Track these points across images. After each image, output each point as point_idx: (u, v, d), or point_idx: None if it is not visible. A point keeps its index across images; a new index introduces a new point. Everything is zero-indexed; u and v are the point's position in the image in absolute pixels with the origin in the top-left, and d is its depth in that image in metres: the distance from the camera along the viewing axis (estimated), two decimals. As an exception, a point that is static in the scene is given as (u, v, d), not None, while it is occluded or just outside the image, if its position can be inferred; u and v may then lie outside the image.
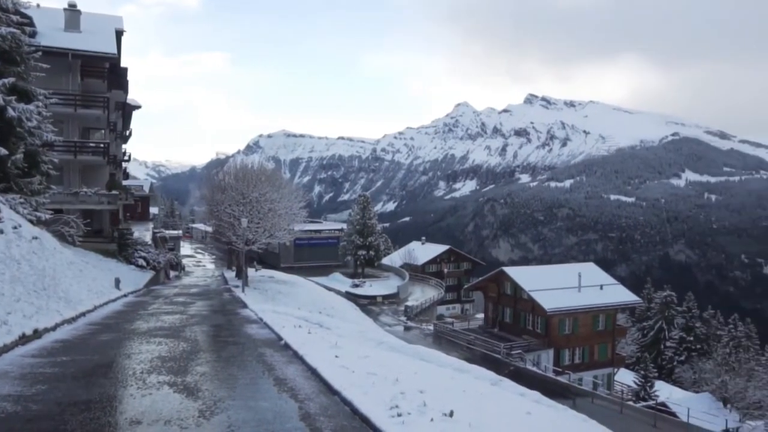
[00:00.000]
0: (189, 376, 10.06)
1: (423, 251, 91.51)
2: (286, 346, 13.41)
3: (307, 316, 23.07)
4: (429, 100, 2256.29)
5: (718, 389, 49.77)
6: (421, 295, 71.58)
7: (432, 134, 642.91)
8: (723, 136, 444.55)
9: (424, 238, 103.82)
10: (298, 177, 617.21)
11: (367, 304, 61.41)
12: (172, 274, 50.49)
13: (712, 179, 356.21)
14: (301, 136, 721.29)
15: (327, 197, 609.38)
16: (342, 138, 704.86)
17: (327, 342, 14.33)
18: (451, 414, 7.19)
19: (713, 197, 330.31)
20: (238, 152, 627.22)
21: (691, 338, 68.99)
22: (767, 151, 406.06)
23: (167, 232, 78.26)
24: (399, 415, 7.15)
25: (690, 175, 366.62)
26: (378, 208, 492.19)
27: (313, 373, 10.22)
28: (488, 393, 10.02)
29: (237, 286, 34.37)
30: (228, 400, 8.45)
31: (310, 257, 78.51)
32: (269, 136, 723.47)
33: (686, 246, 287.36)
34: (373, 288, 69.63)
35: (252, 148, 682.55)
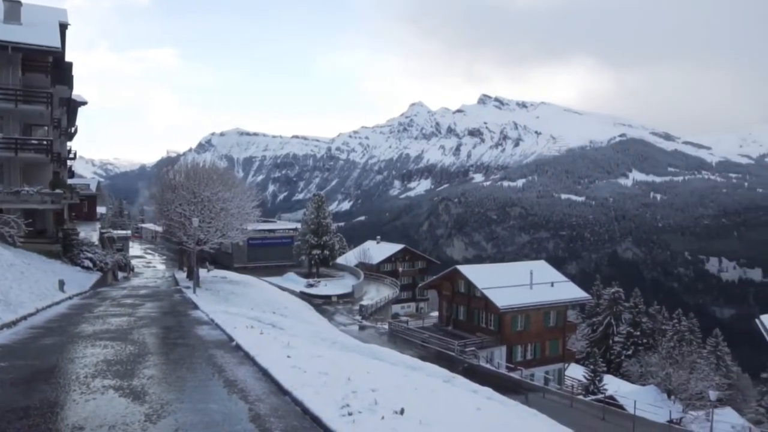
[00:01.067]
0: (136, 379, 9.80)
1: (378, 250, 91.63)
2: (238, 347, 13.23)
3: (260, 317, 22.79)
4: (384, 99, 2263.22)
5: (662, 382, 51.52)
6: (376, 294, 71.67)
7: (387, 134, 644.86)
8: (667, 137, 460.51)
9: (379, 237, 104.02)
10: (251, 176, 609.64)
11: (322, 304, 61.12)
12: (120, 275, 49.12)
13: (658, 179, 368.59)
14: (255, 134, 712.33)
15: (281, 196, 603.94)
16: (297, 137, 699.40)
17: (279, 342, 14.19)
18: (402, 411, 7.23)
19: (658, 196, 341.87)
20: (190, 150, 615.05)
21: (638, 333, 71.14)
22: (708, 152, 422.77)
23: (115, 232, 76.05)
24: (350, 413, 7.14)
25: (637, 175, 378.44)
26: (333, 207, 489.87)
27: (265, 373, 10.10)
28: (440, 390, 10.10)
29: (188, 287, 33.68)
30: (176, 403, 8.27)
31: (264, 257, 77.72)
32: (222, 134, 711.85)
33: (633, 244, 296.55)
34: (328, 287, 69.33)
35: (204, 146, 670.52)
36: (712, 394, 33.34)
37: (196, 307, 24.06)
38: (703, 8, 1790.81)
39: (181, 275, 45.33)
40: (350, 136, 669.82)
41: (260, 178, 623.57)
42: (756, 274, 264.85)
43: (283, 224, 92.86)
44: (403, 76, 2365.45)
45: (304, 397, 8.01)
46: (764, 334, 19.29)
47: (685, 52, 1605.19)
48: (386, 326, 55.42)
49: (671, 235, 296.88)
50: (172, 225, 37.90)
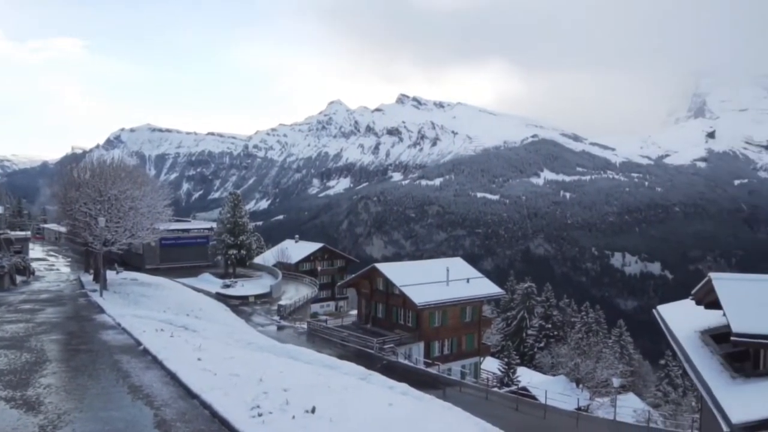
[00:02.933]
0: (30, 389, 9.18)
1: (296, 249, 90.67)
2: (145, 352, 12.69)
3: (171, 319, 22.00)
4: (303, 97, 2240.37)
5: (571, 371, 54.01)
6: (294, 293, 70.84)
7: (306, 132, 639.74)
8: (576, 138, 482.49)
9: (297, 236, 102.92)
10: (164, 174, 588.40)
11: (239, 305, 59.81)
12: (18, 279, 46.02)
13: (567, 178, 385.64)
14: (168, 130, 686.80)
15: (196, 195, 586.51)
16: (212, 134, 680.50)
17: (191, 345, 13.74)
18: (313, 410, 7.16)
19: (568, 195, 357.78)
20: (98, 147, 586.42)
21: (550, 326, 74.21)
22: (613, 153, 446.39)
23: (13, 233, 71.11)
24: (260, 414, 7.00)
25: (548, 174, 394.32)
26: (250, 206, 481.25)
27: (173, 377, 9.74)
28: (354, 388, 10.08)
29: (95, 291, 32.04)
30: (75, 413, 7.81)
31: (177, 258, 75.05)
32: (132, 130, 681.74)
33: (545, 240, 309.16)
34: (245, 288, 67.88)
35: (113, 142, 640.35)
36: (616, 381, 35.24)
37: (102, 310, 22.91)
38: (607, 16, 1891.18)
39: (87, 278, 43.03)
40: (268, 134, 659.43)
41: (174, 176, 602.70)
42: (655, 268, 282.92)
43: (198, 224, 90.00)
44: (322, 73, 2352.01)
45: (213, 400, 7.78)
46: (660, 323, 20.50)
47: (592, 56, 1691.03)
48: (305, 326, 54.87)
49: (580, 232, 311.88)
50: (76, 225, 35.94)
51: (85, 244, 37.81)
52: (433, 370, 46.01)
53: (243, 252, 73.82)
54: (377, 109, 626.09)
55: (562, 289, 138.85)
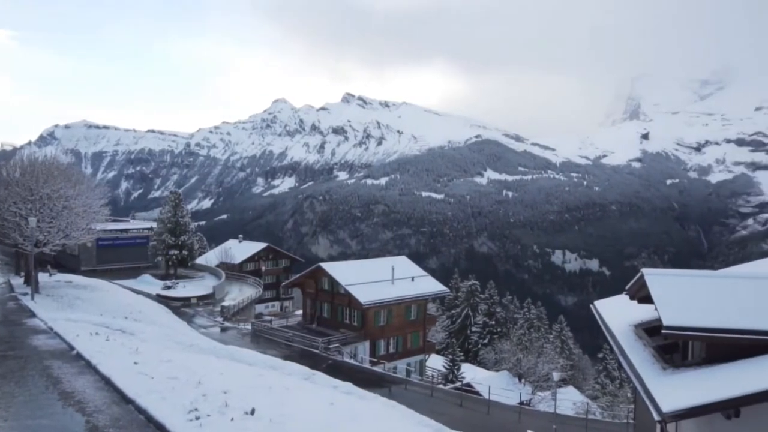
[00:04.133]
0: (-50, 399, 8.67)
1: (240, 249, 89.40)
2: (79, 356, 12.21)
3: (108, 323, 21.27)
4: (247, 95, 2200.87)
5: (514, 367, 55.21)
6: (238, 294, 69.91)
7: (250, 130, 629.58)
8: (518, 139, 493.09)
9: (241, 236, 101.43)
10: (102, 172, 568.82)
11: (181, 306, 58.58)
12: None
13: (510, 178, 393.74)
14: (105, 127, 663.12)
15: (136, 194, 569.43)
16: (152, 131, 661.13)
17: (127, 348, 13.31)
18: (253, 412, 7.05)
19: (510, 194, 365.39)
20: (29, 144, 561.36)
21: (493, 322, 75.49)
22: (553, 153, 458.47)
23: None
24: (197, 418, 6.83)
25: (491, 174, 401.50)
26: (193, 205, 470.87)
27: (107, 382, 9.41)
28: (297, 388, 9.99)
29: (25, 294, 30.65)
30: (-1, 422, 7.42)
31: (115, 259, 72.71)
32: (67, 126, 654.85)
33: (488, 238, 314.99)
34: (187, 289, 66.48)
35: (46, 139, 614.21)
36: (556, 375, 36.24)
37: (33, 315, 21.93)
38: (550, 19, 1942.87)
39: (18, 281, 41.09)
40: (211, 132, 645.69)
41: (111, 174, 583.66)
42: (594, 265, 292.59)
43: (138, 223, 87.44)
44: (267, 71, 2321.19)
45: (148, 405, 7.54)
46: (597, 318, 21.13)
47: (534, 59, 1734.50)
48: (249, 327, 54.20)
49: (522, 230, 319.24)
50: (5, 225, 34.26)
51: (15, 246, 36.11)
52: (378, 369, 46.21)
53: (185, 252, 72.14)
54: (323, 108, 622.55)
55: (505, 286, 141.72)
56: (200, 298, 63.42)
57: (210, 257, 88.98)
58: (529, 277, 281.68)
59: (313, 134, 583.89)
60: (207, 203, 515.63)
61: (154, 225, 78.91)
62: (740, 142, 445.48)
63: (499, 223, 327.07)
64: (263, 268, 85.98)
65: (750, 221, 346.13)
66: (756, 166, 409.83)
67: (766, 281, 15.39)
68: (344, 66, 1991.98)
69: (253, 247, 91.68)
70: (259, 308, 75.72)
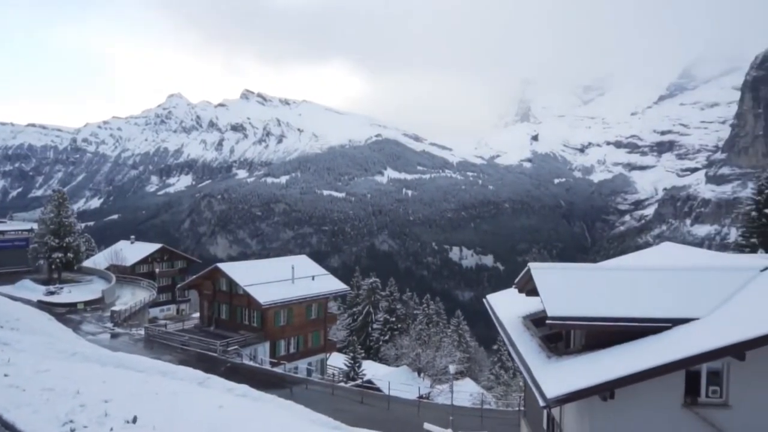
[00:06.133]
0: None
1: (133, 251, 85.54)
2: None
3: (-22, 333, 19.56)
4: (139, 88, 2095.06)
5: (413, 362, 56.36)
6: (131, 298, 66.86)
7: (143, 125, 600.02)
8: (417, 138, 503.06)
9: (133, 236, 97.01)
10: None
11: (66, 313, 55.35)
12: None
13: (409, 176, 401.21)
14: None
15: (14, 193, 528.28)
16: (33, 125, 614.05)
17: (-2, 360, 12.28)
18: (135, 420, 6.73)
19: (410, 192, 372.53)
20: None
21: (394, 319, 76.56)
22: (450, 153, 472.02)
23: None
24: (73, 430, 6.41)
25: (391, 173, 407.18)
26: (80, 205, 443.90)
27: (-28, 397, 8.62)
28: (187, 393, 9.65)
29: None
30: None
31: (-10, 263, 67.29)
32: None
33: (389, 236, 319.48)
34: (73, 294, 62.87)
35: None
36: (452, 368, 37.34)
37: None
38: (446, 21, 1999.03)
39: None
40: (100, 127, 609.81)
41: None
42: (489, 260, 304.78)
43: (16, 225, 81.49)
44: (160, 65, 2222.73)
45: (17, 419, 6.97)
46: (490, 311, 22.00)
47: (432, 60, 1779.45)
48: (142, 332, 51.82)
49: (421, 228, 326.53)
50: None
51: None
52: (279, 370, 45.68)
53: (70, 255, 67.96)
54: (221, 104, 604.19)
55: (406, 283, 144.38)
56: (88, 303, 60.21)
57: (99, 260, 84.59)
58: (429, 274, 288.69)
59: (210, 131, 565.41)
60: (96, 203, 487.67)
61: (35, 226, 73.59)
62: (618, 145, 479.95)
63: (399, 221, 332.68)
64: (158, 270, 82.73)
65: (627, 218, 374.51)
66: (632, 167, 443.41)
67: (638, 272, 16.69)
68: (243, 62, 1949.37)
69: (147, 248, 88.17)
70: (154, 312, 73.15)
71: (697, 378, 13.14)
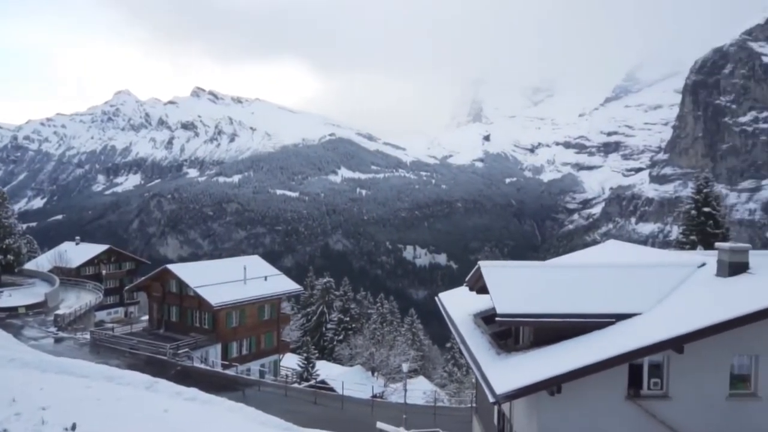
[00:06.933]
0: None
1: (78, 252, 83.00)
2: None
3: None
4: (85, 84, 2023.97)
5: (367, 361, 56.49)
6: (76, 301, 64.85)
7: (89, 123, 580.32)
8: (371, 138, 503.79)
9: (78, 237, 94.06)
10: None
11: (6, 318, 53.47)
12: None
13: (363, 176, 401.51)
14: None
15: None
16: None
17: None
18: (74, 427, 6.52)
19: (364, 192, 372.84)
20: None
21: (348, 318, 76.43)
22: (404, 153, 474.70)
23: None
24: (8, 440, 6.19)
25: (345, 172, 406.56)
26: (21, 205, 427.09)
27: None
28: (131, 398, 9.41)
29: None
30: None
31: None
32: None
33: (343, 236, 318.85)
34: (14, 298, 60.56)
35: None
36: (405, 367, 37.57)
37: None
38: (399, 21, 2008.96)
39: None
40: (43, 124, 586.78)
41: None
42: (442, 259, 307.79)
43: (-50, 226, 77.43)
44: (107, 61, 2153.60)
45: (-53, 430, 6.69)
46: (442, 309, 22.24)
47: (385, 60, 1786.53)
48: (88, 336, 50.28)
49: (375, 227, 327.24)
50: None
51: None
52: (231, 372, 45.05)
53: (10, 257, 65.57)
54: (171, 102, 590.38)
55: (360, 282, 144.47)
56: (30, 307, 58.10)
57: (42, 262, 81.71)
58: (383, 273, 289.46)
59: (160, 129, 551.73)
60: (39, 203, 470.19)
61: (-29, 228, 70.37)
62: (567, 145, 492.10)
63: (353, 220, 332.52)
64: (104, 272, 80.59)
65: (576, 216, 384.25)
66: (580, 167, 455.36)
67: (584, 270, 17.15)
68: (194, 59, 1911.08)
69: (93, 249, 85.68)
70: (101, 315, 71.32)
71: (639, 371, 13.59)
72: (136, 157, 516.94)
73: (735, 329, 12.69)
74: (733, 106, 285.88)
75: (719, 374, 13.47)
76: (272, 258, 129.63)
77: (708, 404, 13.41)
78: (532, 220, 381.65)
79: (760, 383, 13.58)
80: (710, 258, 16.20)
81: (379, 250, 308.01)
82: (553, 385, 12.79)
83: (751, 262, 14.89)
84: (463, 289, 20.26)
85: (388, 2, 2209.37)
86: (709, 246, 29.95)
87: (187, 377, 35.28)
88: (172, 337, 47.82)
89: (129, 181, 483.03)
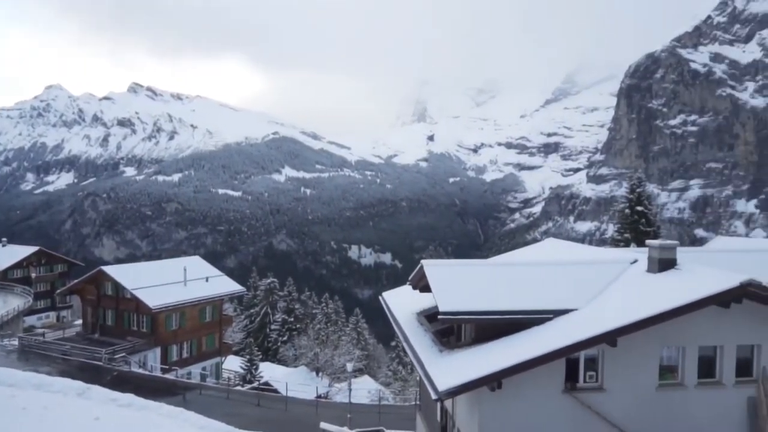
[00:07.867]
0: None
1: (4, 254, 79.35)
2: None
3: None
4: (13, 78, 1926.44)
5: (312, 361, 56.16)
6: (2, 305, 61.76)
7: (16, 118, 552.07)
8: (315, 137, 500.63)
9: (5, 239, 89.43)
10: None
11: (-75, 325, 49.99)
12: None
13: (307, 175, 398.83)
14: None
15: None
16: None
17: None
18: (-4, 439, 6.19)
19: (308, 191, 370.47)
20: None
21: (292, 319, 75.71)
22: (349, 152, 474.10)
23: None
24: None
25: (289, 171, 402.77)
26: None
27: None
28: (60, 406, 9.02)
29: None
30: None
31: None
32: None
33: (287, 236, 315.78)
34: (-67, 304, 56.99)
35: None
36: (350, 366, 37.53)
37: None
38: (344, 21, 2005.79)
39: None
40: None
41: None
42: (387, 258, 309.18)
43: None
44: (37, 54, 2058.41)
45: None
46: (385, 308, 22.30)
47: (329, 59, 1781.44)
48: (16, 342, 47.99)
49: (320, 227, 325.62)
50: None
51: None
52: (170, 376, 43.95)
53: (-71, 261, 61.63)
54: (106, 98, 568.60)
55: (305, 282, 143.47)
56: (-49, 313, 54.82)
57: (-36, 265, 77.23)
58: (328, 273, 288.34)
59: (95, 126, 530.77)
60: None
61: None
62: (509, 145, 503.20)
63: (297, 220, 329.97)
64: (34, 275, 77.17)
65: (517, 215, 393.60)
66: (521, 167, 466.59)
67: (524, 267, 17.55)
68: (130, 54, 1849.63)
69: (21, 251, 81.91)
70: (31, 320, 68.40)
71: (576, 365, 14.00)
72: (69, 154, 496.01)
73: (664, 322, 13.24)
74: (664, 110, 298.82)
75: (650, 366, 14.04)
76: (214, 259, 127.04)
77: (639, 394, 13.95)
78: (475, 219, 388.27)
79: (686, 373, 14.25)
80: (642, 255, 16.85)
81: (324, 250, 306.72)
82: (494, 380, 13.01)
83: (678, 258, 15.56)
84: (407, 288, 20.37)
85: (332, 1, 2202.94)
86: (641, 243, 31.14)
87: (124, 383, 34.17)
88: (108, 342, 46.27)
89: (61, 180, 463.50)
